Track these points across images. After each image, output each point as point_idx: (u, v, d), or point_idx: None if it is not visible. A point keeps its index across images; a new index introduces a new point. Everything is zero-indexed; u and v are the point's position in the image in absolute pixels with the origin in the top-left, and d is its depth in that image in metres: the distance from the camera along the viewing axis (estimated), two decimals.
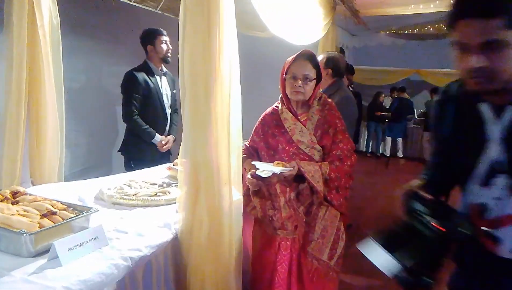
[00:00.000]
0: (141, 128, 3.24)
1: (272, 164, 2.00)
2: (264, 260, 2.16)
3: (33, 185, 2.37)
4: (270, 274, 2.14)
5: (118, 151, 3.46)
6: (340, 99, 3.02)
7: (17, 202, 1.82)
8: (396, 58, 10.04)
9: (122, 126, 3.51)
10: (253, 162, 2.05)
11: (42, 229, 1.56)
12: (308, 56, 2.10)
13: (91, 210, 1.79)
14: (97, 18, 3.72)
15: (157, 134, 3.31)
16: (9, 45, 2.13)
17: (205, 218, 1.83)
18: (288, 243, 2.11)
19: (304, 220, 2.09)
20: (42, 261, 1.49)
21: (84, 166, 3.91)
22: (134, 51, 3.42)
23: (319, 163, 2.08)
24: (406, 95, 9.65)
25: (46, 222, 1.64)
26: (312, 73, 2.08)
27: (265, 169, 1.95)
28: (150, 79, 3.25)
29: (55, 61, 2.34)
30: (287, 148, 2.12)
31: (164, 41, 3.26)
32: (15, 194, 1.89)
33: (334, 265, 2.12)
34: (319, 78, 2.12)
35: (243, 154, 2.13)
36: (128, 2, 3.21)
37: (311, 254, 2.08)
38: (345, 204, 2.15)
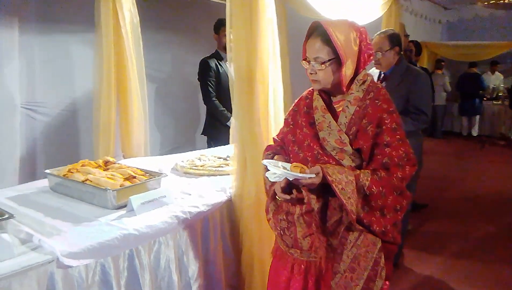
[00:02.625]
0: (217, 110, 3.58)
1: (290, 165, 1.53)
2: (278, 280, 1.71)
3: (124, 158, 2.88)
4: None
5: (202, 133, 3.87)
6: (423, 76, 2.89)
7: (108, 169, 2.28)
8: (494, 31, 9.28)
9: (203, 111, 3.90)
10: (264, 161, 1.58)
11: (122, 187, 1.98)
12: (318, 32, 1.52)
13: (162, 175, 2.20)
14: (177, 13, 4.18)
15: (232, 118, 3.62)
16: (99, 43, 2.66)
17: (252, 187, 2.11)
18: (302, 266, 1.61)
19: (328, 243, 1.55)
20: (122, 212, 1.91)
21: (174, 146, 4.43)
22: (210, 41, 3.79)
23: (358, 172, 1.51)
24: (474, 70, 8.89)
25: (127, 183, 2.07)
26: (323, 54, 1.51)
27: (277, 171, 1.48)
28: (220, 64, 3.59)
29: (137, 54, 2.81)
30: (312, 145, 1.58)
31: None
32: (106, 163, 2.36)
33: None
34: (338, 57, 1.50)
35: (266, 151, 1.79)
36: None
37: None
38: (394, 231, 1.52)
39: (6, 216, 1.58)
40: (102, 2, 2.65)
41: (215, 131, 3.71)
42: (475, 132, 9.12)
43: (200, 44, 3.83)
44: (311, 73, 1.56)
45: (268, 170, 1.53)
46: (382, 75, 2.90)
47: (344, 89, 1.56)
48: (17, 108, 3.11)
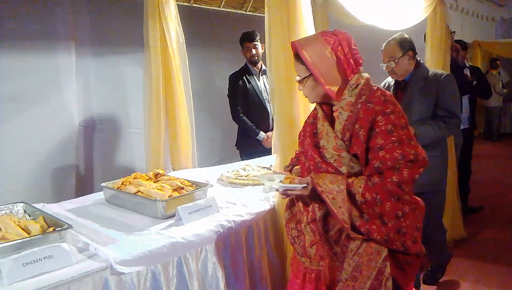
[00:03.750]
0: (247, 126, 3.66)
1: (283, 177, 1.62)
2: (292, 289, 1.75)
3: (173, 170, 3.01)
4: None
5: (235, 145, 3.97)
6: (449, 77, 2.64)
7: (158, 181, 2.40)
8: None
9: None
10: (260, 175, 1.69)
11: (170, 198, 2.08)
12: (295, 51, 1.60)
13: (208, 185, 2.28)
14: (218, 30, 4.35)
15: (261, 132, 3.67)
16: (148, 61, 2.82)
17: None
18: (313, 275, 1.61)
19: (334, 251, 1.53)
20: (170, 221, 2.00)
21: (220, 157, 4.55)
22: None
23: (352, 179, 1.48)
24: None
25: (176, 194, 2.17)
26: (301, 72, 1.58)
27: (267, 184, 1.57)
28: (248, 79, 3.65)
29: (183, 71, 2.95)
30: (312, 154, 1.59)
31: (249, 47, 3.59)
32: (157, 175, 2.49)
33: None
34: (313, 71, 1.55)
35: (288, 164, 1.89)
36: (244, 12, 3.68)
37: None
38: (404, 239, 1.46)
39: (65, 226, 1.72)
40: (150, 24, 2.83)
41: (246, 144, 3.80)
42: None
43: (240, 58, 3.94)
44: (301, 89, 1.66)
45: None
46: (403, 83, 2.67)
47: (334, 98, 1.55)
48: (75, 125, 3.36)
